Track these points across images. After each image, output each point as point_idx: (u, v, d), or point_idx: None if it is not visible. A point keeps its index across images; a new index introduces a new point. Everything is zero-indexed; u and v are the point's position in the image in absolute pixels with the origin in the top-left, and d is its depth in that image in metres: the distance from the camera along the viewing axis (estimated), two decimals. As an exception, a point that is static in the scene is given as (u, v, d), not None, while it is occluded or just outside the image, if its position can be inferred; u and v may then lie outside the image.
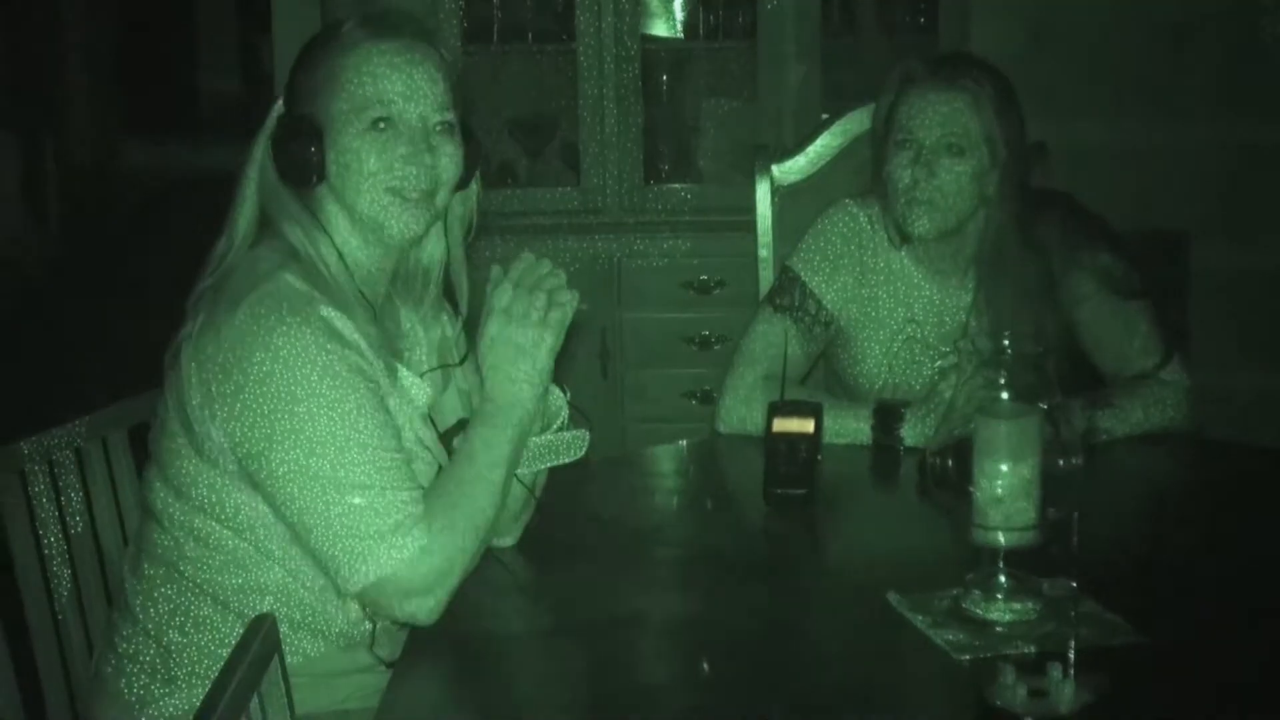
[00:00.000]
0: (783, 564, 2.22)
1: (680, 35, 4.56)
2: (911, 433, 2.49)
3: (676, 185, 4.48)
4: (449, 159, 2.08)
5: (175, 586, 2.04)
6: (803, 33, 4.31)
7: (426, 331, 2.22)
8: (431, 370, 2.18)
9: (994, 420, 1.89)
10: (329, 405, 1.90)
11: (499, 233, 4.28)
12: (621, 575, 1.99)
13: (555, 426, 2.16)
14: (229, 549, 2.01)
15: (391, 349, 2.10)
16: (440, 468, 2.07)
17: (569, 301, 2.05)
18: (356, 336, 1.97)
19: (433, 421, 2.14)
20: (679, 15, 4.56)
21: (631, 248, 4.27)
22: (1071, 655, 1.52)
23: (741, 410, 2.57)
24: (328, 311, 1.95)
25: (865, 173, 2.78)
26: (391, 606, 1.93)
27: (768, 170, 3.04)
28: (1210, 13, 4.39)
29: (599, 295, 4.24)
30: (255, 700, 1.54)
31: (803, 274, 2.69)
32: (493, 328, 2.06)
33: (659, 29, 4.51)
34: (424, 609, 1.92)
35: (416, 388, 2.09)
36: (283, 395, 1.90)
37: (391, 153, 2.04)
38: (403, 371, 2.07)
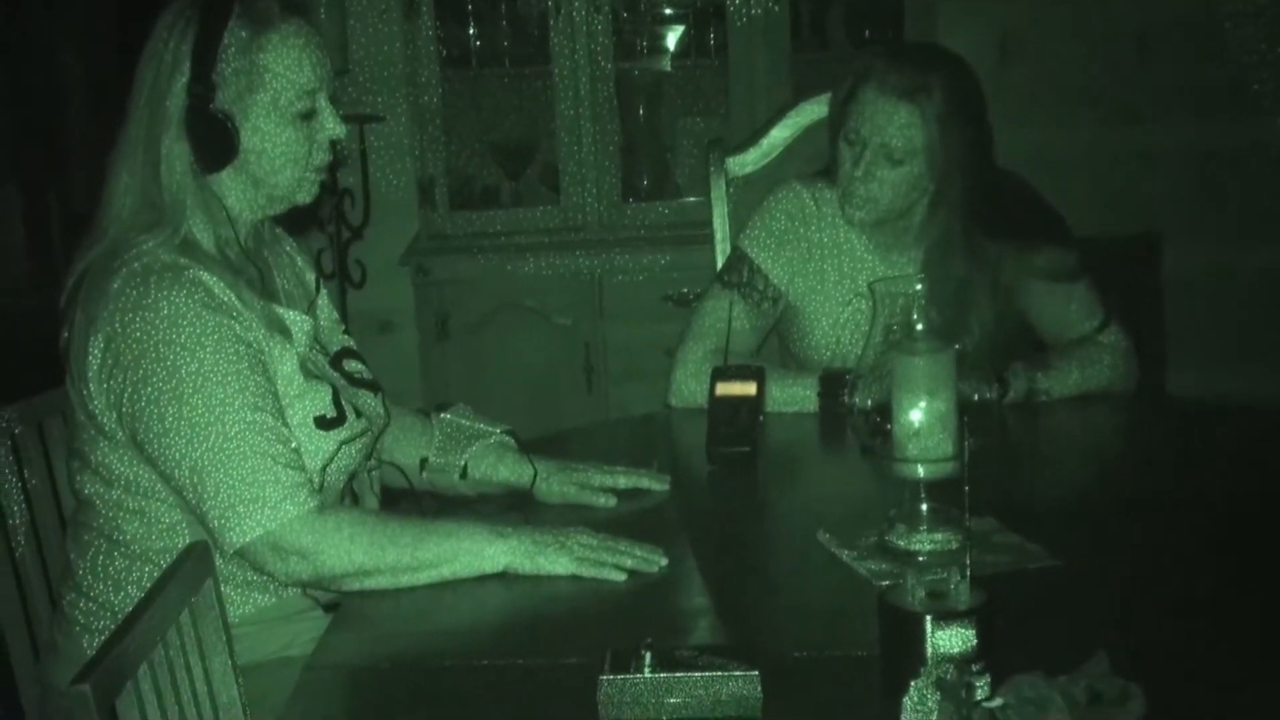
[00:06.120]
0: (723, 512, 2.30)
1: (653, 56, 4.63)
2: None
3: (654, 202, 4.53)
4: (342, 125, 2.14)
5: (121, 559, 2.08)
6: (772, 49, 4.35)
7: (284, 268, 2.27)
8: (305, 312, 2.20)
9: (910, 356, 1.96)
10: (211, 364, 1.95)
11: (483, 252, 4.38)
12: (568, 525, 2.05)
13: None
14: (166, 520, 2.05)
15: (269, 292, 2.14)
16: (334, 390, 2.11)
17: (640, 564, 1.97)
18: (231, 297, 2.01)
19: (322, 346, 2.20)
20: (652, 36, 4.62)
21: (612, 263, 4.32)
22: (968, 561, 1.58)
23: (691, 384, 2.63)
24: (200, 274, 1.99)
25: (815, 162, 2.87)
26: (269, 564, 1.96)
27: (722, 162, 3.12)
28: (1173, 19, 4.46)
29: (581, 311, 4.31)
30: (187, 612, 1.62)
31: (749, 251, 2.75)
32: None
33: (632, 50, 4.56)
34: (304, 571, 1.96)
35: (297, 323, 2.12)
36: (164, 355, 1.94)
37: (313, 139, 2.09)
38: (282, 311, 2.11)
